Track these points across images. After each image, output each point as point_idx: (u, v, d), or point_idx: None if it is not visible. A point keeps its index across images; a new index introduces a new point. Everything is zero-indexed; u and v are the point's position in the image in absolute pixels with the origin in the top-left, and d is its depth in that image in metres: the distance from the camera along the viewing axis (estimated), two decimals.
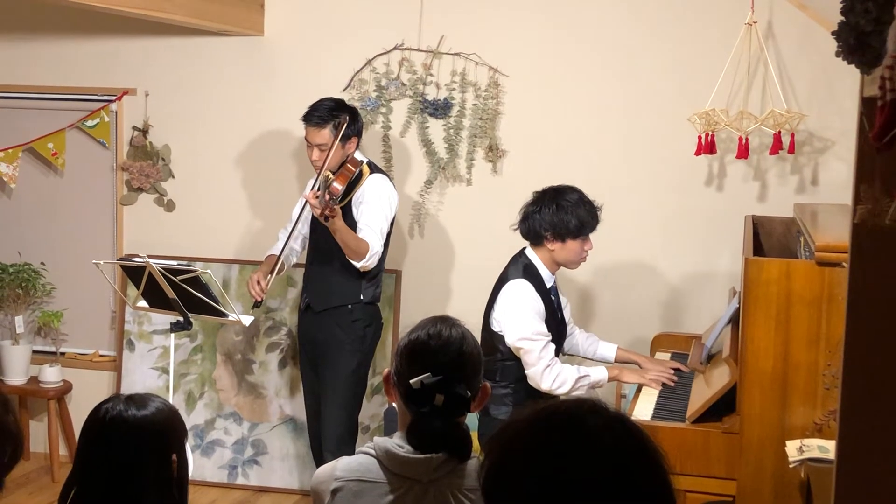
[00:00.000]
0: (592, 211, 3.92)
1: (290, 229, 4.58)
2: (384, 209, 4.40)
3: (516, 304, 3.88)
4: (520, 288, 3.89)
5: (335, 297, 4.47)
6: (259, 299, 4.47)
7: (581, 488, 1.36)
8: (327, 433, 4.48)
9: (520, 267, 3.95)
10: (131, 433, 2.24)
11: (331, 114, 4.38)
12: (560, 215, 3.86)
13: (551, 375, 3.82)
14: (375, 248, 4.31)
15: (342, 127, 4.35)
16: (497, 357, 3.89)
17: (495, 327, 3.92)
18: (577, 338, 4.29)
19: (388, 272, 5.00)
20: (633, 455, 1.40)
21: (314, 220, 4.40)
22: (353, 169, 4.39)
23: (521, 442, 1.42)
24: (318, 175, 4.29)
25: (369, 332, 4.55)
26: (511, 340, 3.86)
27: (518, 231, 4.00)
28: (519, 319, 3.86)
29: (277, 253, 4.55)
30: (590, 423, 1.41)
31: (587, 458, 1.37)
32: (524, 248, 4.00)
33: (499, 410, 3.89)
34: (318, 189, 4.12)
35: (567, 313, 4.21)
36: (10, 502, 4.91)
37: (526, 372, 3.86)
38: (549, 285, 3.96)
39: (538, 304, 3.88)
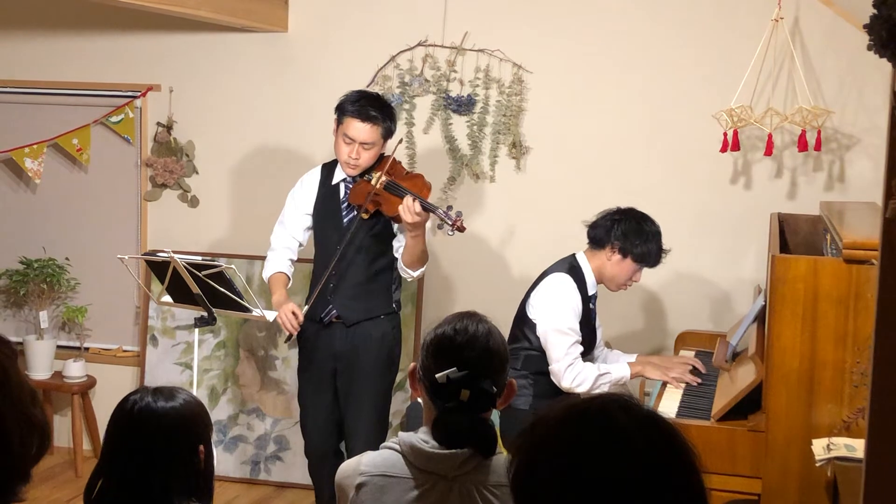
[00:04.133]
0: (661, 250, 3.99)
1: (292, 243, 4.39)
2: None
3: (556, 296, 3.91)
4: (563, 281, 3.93)
5: (370, 308, 4.25)
6: (296, 332, 4.20)
7: (612, 487, 1.34)
8: (360, 447, 4.11)
9: (566, 264, 3.99)
10: (159, 425, 2.25)
11: (382, 109, 4.13)
12: (637, 234, 3.92)
13: (572, 373, 3.83)
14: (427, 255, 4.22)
15: (389, 123, 4.15)
16: (524, 346, 3.93)
17: (530, 314, 3.94)
18: (601, 357, 4.28)
19: None
20: (665, 454, 1.38)
21: (343, 228, 4.19)
22: (410, 171, 4.17)
23: (552, 440, 1.41)
24: (372, 178, 4.08)
25: (398, 342, 4.38)
26: (542, 329, 3.88)
27: (587, 228, 4.02)
28: (555, 310, 3.88)
29: (290, 274, 4.38)
30: (621, 422, 1.39)
31: (618, 456, 1.36)
32: (574, 254, 4.03)
33: (518, 401, 3.89)
34: (412, 198, 3.92)
35: (599, 334, 4.21)
36: (35, 496, 4.93)
37: (550, 367, 3.86)
38: (591, 292, 3.99)
39: (577, 303, 3.91)
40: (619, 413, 1.40)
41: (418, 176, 4.16)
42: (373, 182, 4.10)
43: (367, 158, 4.13)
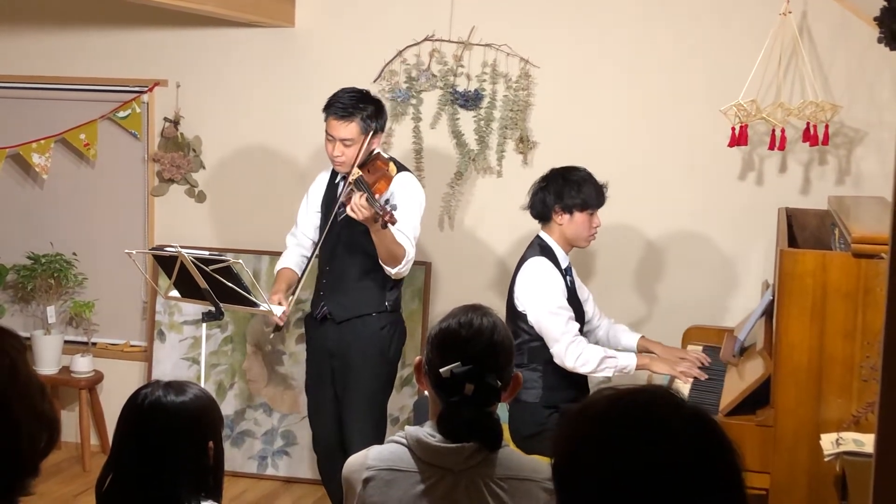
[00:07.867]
0: (598, 187, 4.04)
1: (304, 241, 4.39)
2: (417, 213, 4.16)
3: (537, 280, 3.92)
4: (539, 264, 3.94)
5: (359, 305, 4.21)
6: (281, 323, 4.20)
7: (655, 481, 1.34)
8: (356, 446, 4.20)
9: (535, 247, 4.02)
10: (169, 419, 2.25)
11: (357, 105, 4.08)
12: (567, 188, 3.98)
13: (575, 352, 3.82)
14: (410, 254, 4.09)
15: (370, 120, 4.09)
16: (524, 339, 3.93)
17: (519, 307, 3.94)
18: (601, 328, 4.30)
19: (418, 264, 4.99)
20: (710, 452, 1.38)
21: (335, 225, 4.17)
22: (385, 168, 4.08)
23: (596, 434, 1.40)
24: (348, 176, 4.03)
25: (395, 340, 4.31)
26: (533, 317, 3.89)
27: (528, 211, 4.09)
28: (540, 294, 3.90)
29: (298, 271, 4.33)
30: (667, 417, 1.38)
31: (664, 452, 1.35)
32: (538, 234, 4.07)
33: (528, 395, 3.90)
34: (360, 193, 3.85)
35: (591, 306, 4.23)
36: (43, 491, 4.93)
37: (551, 349, 3.87)
38: (564, 265, 4.01)
39: (558, 280, 3.93)
40: (665, 409, 1.39)
41: (382, 171, 4.07)
42: (349, 179, 4.05)
43: (350, 155, 4.08)
